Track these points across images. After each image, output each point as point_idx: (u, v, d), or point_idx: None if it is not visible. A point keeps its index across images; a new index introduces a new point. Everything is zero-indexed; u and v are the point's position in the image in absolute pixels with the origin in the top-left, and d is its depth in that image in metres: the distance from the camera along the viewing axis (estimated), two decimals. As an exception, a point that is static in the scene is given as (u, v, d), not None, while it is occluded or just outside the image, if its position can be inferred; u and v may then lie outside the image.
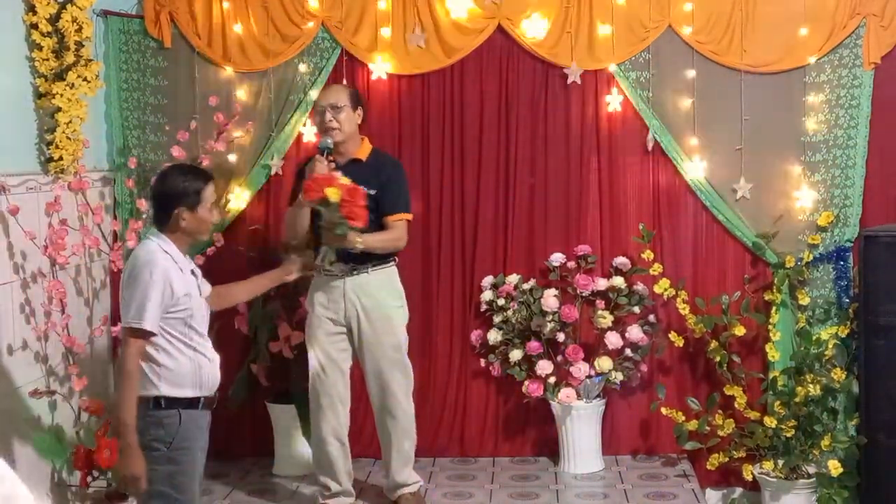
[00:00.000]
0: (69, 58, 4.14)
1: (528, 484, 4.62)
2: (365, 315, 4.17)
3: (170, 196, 3.23)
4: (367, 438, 4.83)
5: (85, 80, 4.20)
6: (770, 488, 4.51)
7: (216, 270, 4.81)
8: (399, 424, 4.26)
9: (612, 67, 4.77)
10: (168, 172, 3.34)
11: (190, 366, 3.19)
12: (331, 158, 4.09)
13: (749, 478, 4.60)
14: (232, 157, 4.87)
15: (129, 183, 4.76)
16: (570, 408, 4.70)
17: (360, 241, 3.98)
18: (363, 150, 4.26)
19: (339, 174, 3.93)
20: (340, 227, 3.84)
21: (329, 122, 4.13)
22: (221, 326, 4.78)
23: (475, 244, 4.94)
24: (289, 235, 4.19)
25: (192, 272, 3.31)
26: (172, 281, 3.14)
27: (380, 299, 4.19)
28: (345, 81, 4.82)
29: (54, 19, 4.09)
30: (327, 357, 4.21)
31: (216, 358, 3.31)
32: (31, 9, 4.04)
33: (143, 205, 4.67)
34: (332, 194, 3.78)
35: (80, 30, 4.18)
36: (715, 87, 4.74)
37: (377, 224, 4.11)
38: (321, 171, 3.96)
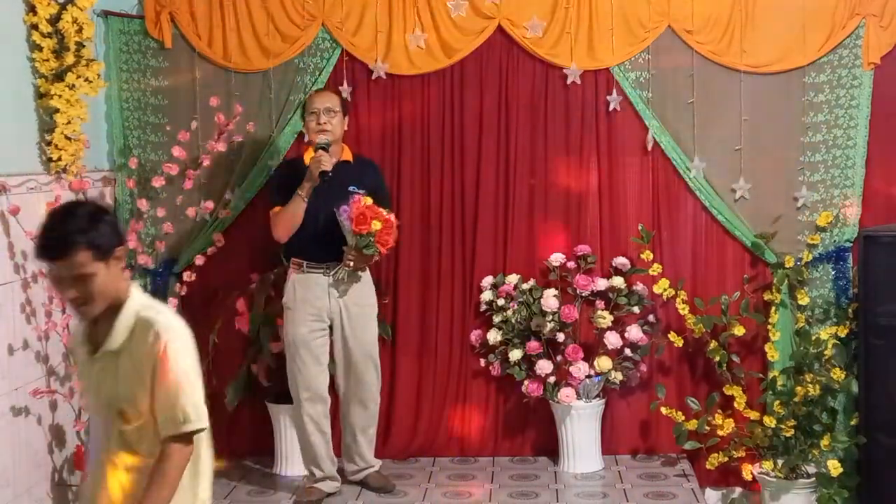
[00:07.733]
0: (69, 58, 4.14)
1: (527, 483, 4.62)
2: (346, 310, 4.38)
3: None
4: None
5: (86, 80, 4.20)
6: (770, 488, 4.52)
7: (216, 270, 4.87)
8: (370, 413, 4.52)
9: (613, 67, 4.78)
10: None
11: None
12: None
13: (749, 478, 4.61)
14: (232, 158, 4.87)
15: (129, 183, 4.77)
16: (569, 407, 4.71)
17: (376, 258, 4.36)
18: (346, 153, 4.49)
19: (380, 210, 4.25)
20: (372, 250, 4.22)
21: (323, 124, 4.36)
22: (222, 326, 4.80)
23: (475, 244, 4.94)
24: (281, 234, 4.38)
25: None
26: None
27: (361, 295, 4.43)
28: (345, 82, 4.85)
29: (55, 20, 4.09)
30: (309, 353, 4.37)
31: None
32: (32, 9, 4.04)
33: (144, 205, 4.67)
34: (376, 225, 4.18)
35: (80, 30, 4.18)
36: (715, 87, 4.74)
37: None
38: (327, 165, 4.23)
